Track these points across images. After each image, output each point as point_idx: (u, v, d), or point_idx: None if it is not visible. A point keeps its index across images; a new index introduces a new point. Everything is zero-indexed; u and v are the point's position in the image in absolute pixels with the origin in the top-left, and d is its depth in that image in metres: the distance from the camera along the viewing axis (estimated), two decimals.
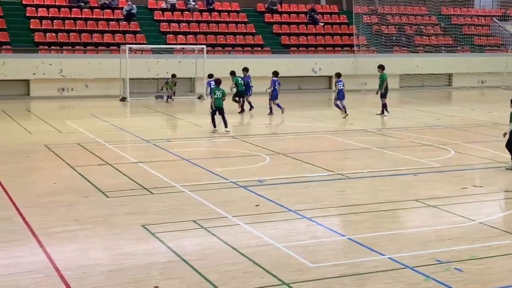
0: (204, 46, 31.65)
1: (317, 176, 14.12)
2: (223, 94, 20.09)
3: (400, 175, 14.30)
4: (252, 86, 25.93)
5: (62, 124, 21.89)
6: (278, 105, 24.71)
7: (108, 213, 11.04)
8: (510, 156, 14.78)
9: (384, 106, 24.67)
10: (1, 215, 10.88)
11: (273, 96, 24.84)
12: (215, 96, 19.98)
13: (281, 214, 11.12)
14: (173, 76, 29.54)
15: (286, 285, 7.95)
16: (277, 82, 24.91)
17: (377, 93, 24.84)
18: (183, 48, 33.09)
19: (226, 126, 20.05)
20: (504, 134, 14.89)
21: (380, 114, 24.64)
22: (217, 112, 20.04)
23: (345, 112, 23.76)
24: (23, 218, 10.64)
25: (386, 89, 24.65)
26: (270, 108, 24.83)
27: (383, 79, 24.69)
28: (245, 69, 26.03)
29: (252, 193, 12.44)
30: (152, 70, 31.63)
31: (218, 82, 20.72)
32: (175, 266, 8.57)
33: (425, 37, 40.23)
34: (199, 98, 30.74)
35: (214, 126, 20.17)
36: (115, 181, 13.39)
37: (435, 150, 17.44)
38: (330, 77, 36.27)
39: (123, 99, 29.55)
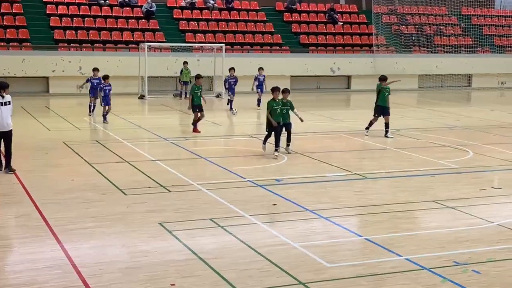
0: (223, 45, 31.70)
1: (335, 176, 14.08)
2: None
3: (418, 176, 14.22)
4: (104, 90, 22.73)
5: (80, 121, 22.02)
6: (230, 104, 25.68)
7: (125, 210, 11.09)
8: None
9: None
10: (20, 211, 10.97)
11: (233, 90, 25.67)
12: None
13: (298, 213, 11.11)
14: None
15: (302, 285, 7.94)
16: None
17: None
18: (201, 47, 33.16)
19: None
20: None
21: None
22: None
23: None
24: (42, 215, 10.71)
25: None
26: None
27: None
28: (104, 77, 22.17)
29: (270, 192, 12.43)
30: (171, 68, 31.74)
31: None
32: (192, 264, 8.58)
33: (444, 38, 40.01)
34: (217, 96, 30.76)
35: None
36: (133, 179, 13.44)
37: (453, 151, 17.33)
38: (349, 77, 36.24)
39: (142, 97, 29.65)
